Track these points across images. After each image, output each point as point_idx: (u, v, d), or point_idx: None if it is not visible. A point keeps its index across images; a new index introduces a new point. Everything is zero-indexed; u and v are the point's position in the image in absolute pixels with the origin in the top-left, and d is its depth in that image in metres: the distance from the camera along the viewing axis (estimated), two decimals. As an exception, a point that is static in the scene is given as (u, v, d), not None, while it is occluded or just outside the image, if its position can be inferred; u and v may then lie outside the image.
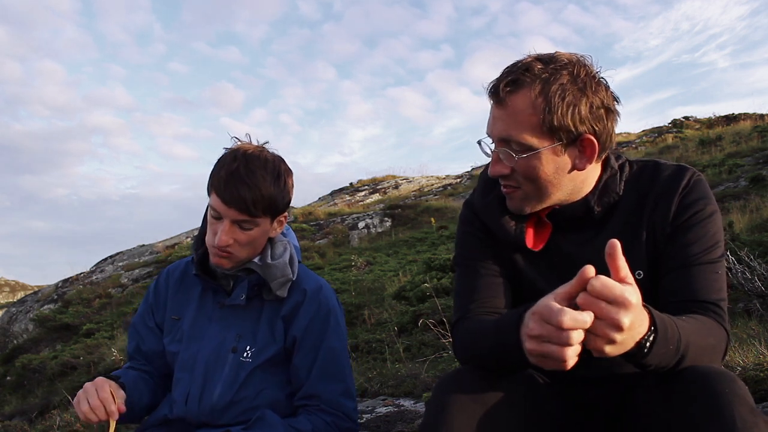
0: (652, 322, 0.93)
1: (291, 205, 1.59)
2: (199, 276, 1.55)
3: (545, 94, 1.12)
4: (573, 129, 1.13)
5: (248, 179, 1.40)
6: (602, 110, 1.15)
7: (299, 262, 1.62)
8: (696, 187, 1.20)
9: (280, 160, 1.50)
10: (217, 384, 1.49)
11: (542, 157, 1.15)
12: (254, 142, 1.52)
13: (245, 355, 1.51)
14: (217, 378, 1.50)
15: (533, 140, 1.14)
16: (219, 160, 1.47)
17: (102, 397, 1.34)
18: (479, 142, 1.25)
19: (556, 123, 1.12)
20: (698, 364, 1.01)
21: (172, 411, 1.53)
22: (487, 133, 1.21)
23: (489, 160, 1.38)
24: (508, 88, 1.13)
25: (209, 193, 1.47)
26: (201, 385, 1.50)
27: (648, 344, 0.92)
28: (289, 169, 1.53)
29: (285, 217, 1.56)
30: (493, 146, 1.22)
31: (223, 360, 1.51)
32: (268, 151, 1.50)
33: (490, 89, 1.17)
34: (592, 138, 1.16)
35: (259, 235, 1.49)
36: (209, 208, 1.47)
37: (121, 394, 1.40)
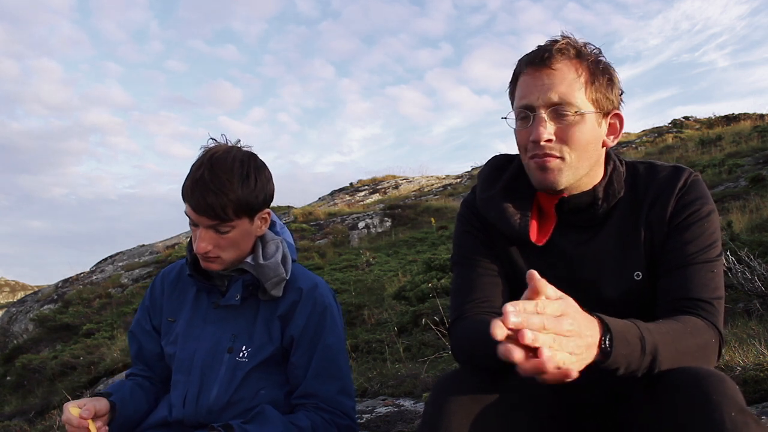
0: (604, 326, 0.94)
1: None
2: (193, 277, 1.55)
3: (588, 65, 1.19)
4: (610, 102, 1.21)
5: (213, 185, 1.38)
6: (620, 92, 1.24)
7: (294, 260, 1.60)
8: (693, 187, 1.21)
9: (249, 158, 1.47)
10: (214, 385, 1.49)
11: (587, 122, 1.18)
12: (230, 142, 1.51)
13: (241, 355, 1.50)
14: (213, 379, 1.49)
15: (582, 104, 1.18)
16: (193, 164, 1.45)
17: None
18: (505, 118, 1.26)
19: (600, 93, 1.19)
20: (686, 366, 1.02)
21: (171, 414, 1.53)
22: (522, 105, 1.20)
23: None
24: (556, 55, 1.17)
25: (183, 202, 1.45)
26: (198, 386, 1.50)
27: (608, 345, 0.93)
28: (261, 165, 1.49)
29: (268, 213, 1.54)
30: (518, 120, 1.23)
31: (219, 360, 1.50)
32: (238, 150, 1.47)
33: (535, 58, 1.19)
34: (621, 114, 1.24)
35: (239, 235, 1.47)
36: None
37: (101, 418, 1.40)
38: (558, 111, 1.17)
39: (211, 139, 1.50)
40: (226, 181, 1.40)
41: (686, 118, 19.05)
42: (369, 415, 2.65)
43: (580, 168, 1.20)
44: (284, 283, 1.52)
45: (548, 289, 0.91)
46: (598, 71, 1.19)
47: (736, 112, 17.45)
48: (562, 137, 1.18)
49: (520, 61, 1.23)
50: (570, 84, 1.16)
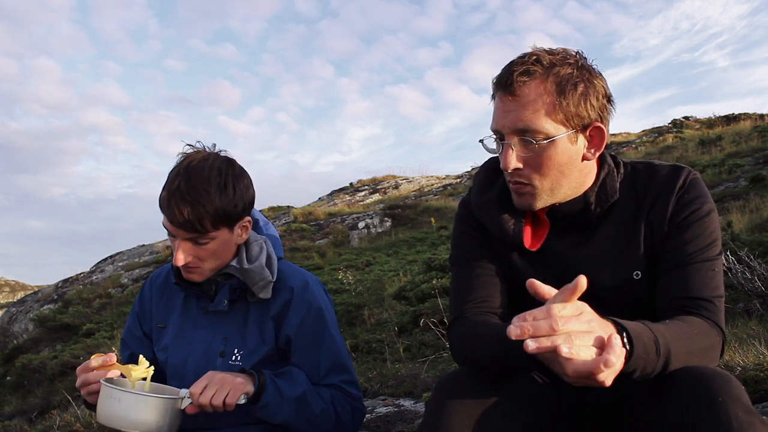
0: (618, 326, 0.95)
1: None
2: (180, 284, 1.53)
3: (558, 82, 1.13)
4: (585, 116, 1.15)
5: (189, 197, 1.34)
6: (605, 99, 1.18)
7: (280, 258, 1.57)
8: (692, 186, 1.20)
9: (227, 165, 1.42)
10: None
11: (558, 146, 1.15)
12: (208, 148, 1.46)
13: (234, 358, 1.49)
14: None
15: (550, 128, 1.13)
16: (167, 176, 1.41)
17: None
18: (482, 141, 1.24)
19: (570, 110, 1.14)
20: (691, 365, 1.02)
21: None
22: (493, 129, 1.19)
23: (489, 157, 1.37)
24: (522, 78, 1.13)
25: (161, 212, 1.42)
26: None
27: (627, 345, 0.94)
28: (239, 172, 1.44)
29: (249, 221, 1.49)
30: (493, 141, 1.22)
31: (212, 365, 1.48)
32: (215, 158, 1.42)
33: (500, 81, 1.16)
34: (601, 126, 1.18)
35: (219, 246, 1.43)
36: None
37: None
38: (525, 138, 1.14)
39: (188, 145, 1.46)
40: (203, 192, 1.35)
41: (686, 118, 19.05)
42: (369, 415, 2.65)
43: (557, 189, 1.19)
44: (272, 285, 1.50)
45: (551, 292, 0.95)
46: (569, 85, 1.13)
47: (736, 112, 17.46)
48: (532, 165, 1.16)
49: (493, 80, 1.19)
50: (535, 109, 1.13)
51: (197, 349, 1.52)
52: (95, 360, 1.36)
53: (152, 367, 1.34)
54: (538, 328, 0.90)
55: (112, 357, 1.35)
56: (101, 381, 1.28)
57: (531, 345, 0.89)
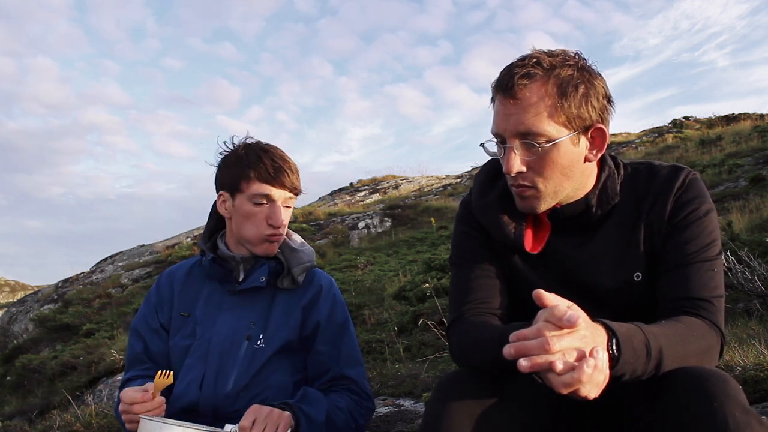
0: (609, 332, 0.96)
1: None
2: (216, 261, 1.61)
3: (559, 84, 1.13)
4: (587, 117, 1.15)
5: (288, 162, 1.57)
6: (605, 100, 1.18)
7: None
8: (691, 186, 1.20)
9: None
10: (232, 371, 1.52)
11: (561, 148, 1.14)
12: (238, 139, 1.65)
13: (259, 342, 1.55)
14: (231, 365, 1.53)
15: (552, 130, 1.13)
16: (246, 155, 1.56)
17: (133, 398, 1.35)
18: (483, 145, 1.24)
19: (572, 112, 1.13)
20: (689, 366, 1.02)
21: (183, 397, 1.53)
22: (494, 132, 1.19)
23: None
24: (522, 81, 1.12)
25: (245, 183, 1.54)
26: (215, 371, 1.53)
27: (615, 351, 0.95)
28: None
29: None
30: (494, 145, 1.22)
31: (238, 347, 1.55)
32: (259, 142, 1.64)
33: (501, 84, 1.15)
34: (603, 127, 1.18)
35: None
36: (249, 198, 1.54)
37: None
38: (527, 142, 1.14)
39: (224, 142, 1.63)
40: (290, 159, 1.59)
41: (686, 118, 19.05)
42: (369, 415, 2.65)
43: (560, 190, 1.19)
44: (307, 272, 1.63)
45: (559, 303, 0.94)
46: (570, 87, 1.12)
47: (736, 112, 17.46)
48: (535, 168, 1.16)
49: (492, 83, 1.19)
50: (536, 112, 1.12)
51: (222, 330, 1.56)
52: (135, 393, 1.34)
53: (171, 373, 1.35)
54: (531, 349, 0.91)
55: (149, 388, 1.35)
56: (140, 416, 1.27)
57: (524, 363, 0.91)
